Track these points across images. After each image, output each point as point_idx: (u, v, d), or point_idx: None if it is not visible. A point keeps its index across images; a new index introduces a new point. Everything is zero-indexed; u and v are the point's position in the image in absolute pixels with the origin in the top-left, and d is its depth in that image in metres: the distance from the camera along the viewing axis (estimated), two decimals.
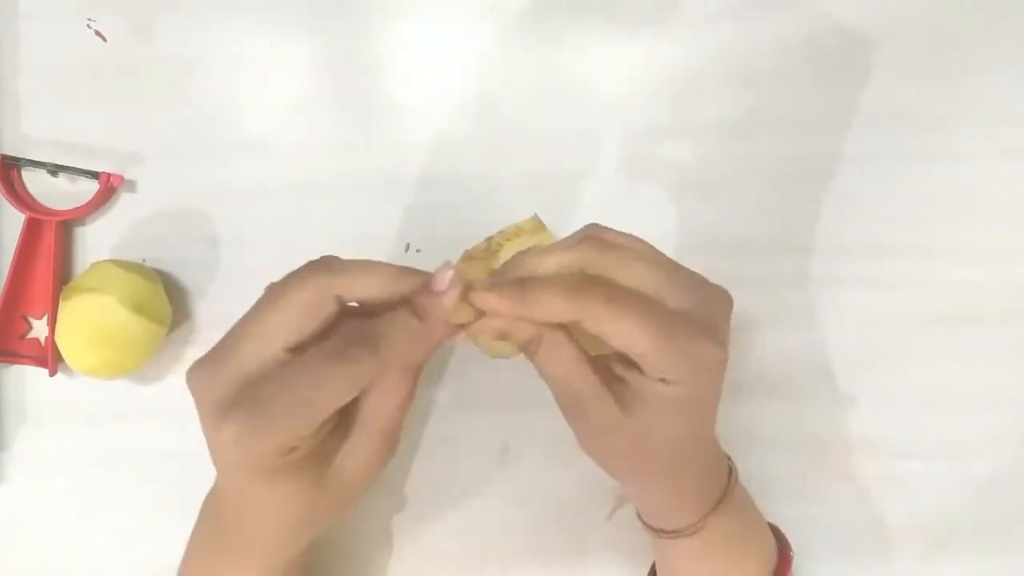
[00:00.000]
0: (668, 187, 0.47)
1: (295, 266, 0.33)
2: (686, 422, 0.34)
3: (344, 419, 0.34)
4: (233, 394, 0.30)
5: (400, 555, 0.46)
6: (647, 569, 0.44)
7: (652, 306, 0.32)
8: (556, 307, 0.31)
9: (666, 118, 0.47)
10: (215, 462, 0.33)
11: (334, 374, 0.30)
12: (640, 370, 0.32)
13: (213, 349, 0.32)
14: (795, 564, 0.40)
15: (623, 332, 0.31)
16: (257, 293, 0.47)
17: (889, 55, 0.46)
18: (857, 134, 0.46)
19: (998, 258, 0.46)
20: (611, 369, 0.34)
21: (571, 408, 0.35)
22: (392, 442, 0.35)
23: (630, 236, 0.34)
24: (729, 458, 0.39)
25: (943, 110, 0.46)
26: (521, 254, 0.34)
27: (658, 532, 0.38)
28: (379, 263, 0.33)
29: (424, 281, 0.32)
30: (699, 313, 0.33)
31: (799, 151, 0.47)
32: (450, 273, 0.32)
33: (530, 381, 0.46)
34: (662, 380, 0.32)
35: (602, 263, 0.33)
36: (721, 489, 0.37)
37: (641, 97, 0.47)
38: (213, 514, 0.37)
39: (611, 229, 0.34)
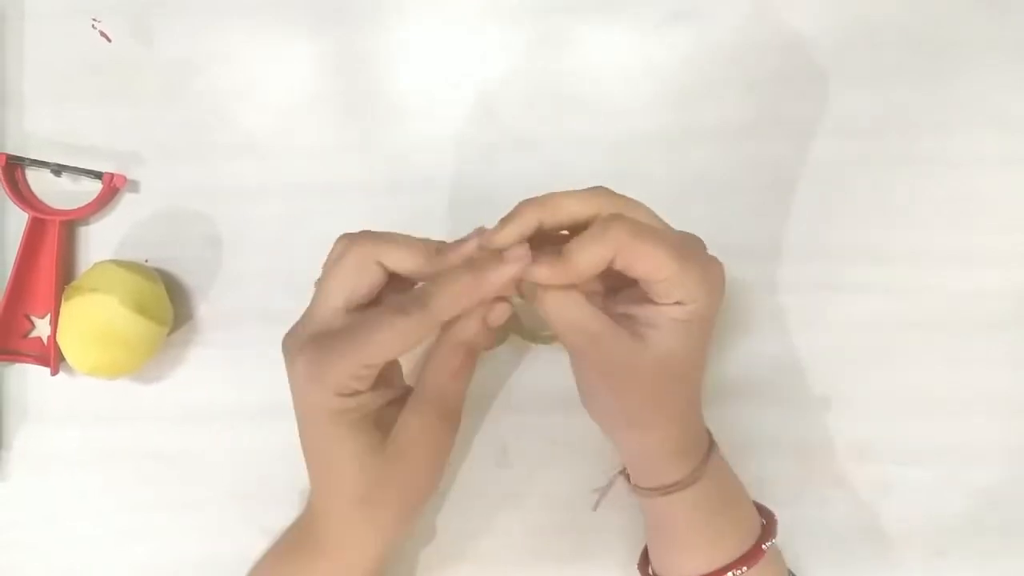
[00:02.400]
0: (666, 190, 0.47)
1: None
2: (696, 340, 0.37)
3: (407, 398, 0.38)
4: (307, 340, 0.36)
5: (398, 556, 0.47)
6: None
7: (668, 234, 0.36)
8: (597, 257, 0.34)
9: (665, 121, 0.47)
10: (295, 408, 0.37)
11: (387, 323, 0.34)
12: (650, 301, 0.35)
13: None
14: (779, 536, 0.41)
15: (650, 259, 0.34)
16: (259, 293, 0.48)
17: (886, 60, 0.46)
18: (854, 139, 0.46)
19: (994, 263, 0.46)
20: (610, 312, 0.36)
21: (585, 351, 0.36)
22: (449, 415, 0.39)
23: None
24: None
25: (939, 115, 0.46)
26: (541, 197, 0.36)
27: (656, 490, 0.39)
28: (419, 241, 0.37)
29: (496, 252, 0.35)
30: (693, 243, 0.37)
31: (796, 155, 0.47)
32: (528, 257, 0.34)
33: (529, 382, 0.47)
34: (677, 303, 0.35)
35: (614, 203, 0.36)
36: (707, 440, 0.40)
37: (641, 100, 0.47)
38: (296, 525, 0.41)
39: None
